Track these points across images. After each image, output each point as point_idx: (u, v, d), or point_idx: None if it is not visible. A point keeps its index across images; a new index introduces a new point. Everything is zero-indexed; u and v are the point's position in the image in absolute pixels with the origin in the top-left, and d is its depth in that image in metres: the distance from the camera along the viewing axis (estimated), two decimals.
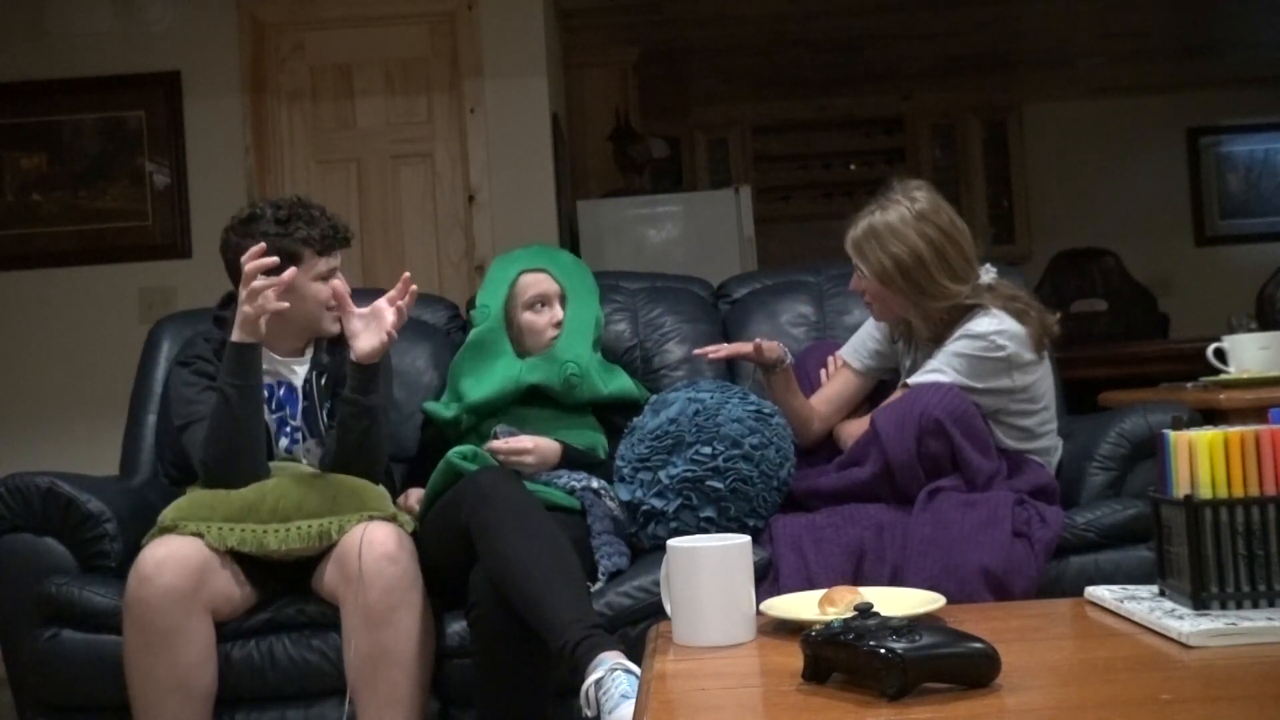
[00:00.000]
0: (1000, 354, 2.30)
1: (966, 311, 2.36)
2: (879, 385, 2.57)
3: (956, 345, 2.32)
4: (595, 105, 5.54)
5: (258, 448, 2.24)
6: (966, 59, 6.67)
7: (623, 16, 5.47)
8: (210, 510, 2.16)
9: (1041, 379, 2.38)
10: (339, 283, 2.31)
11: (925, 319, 2.39)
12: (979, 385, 2.30)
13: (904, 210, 2.35)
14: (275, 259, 2.17)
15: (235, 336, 2.19)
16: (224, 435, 2.20)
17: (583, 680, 1.81)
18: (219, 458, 2.21)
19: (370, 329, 2.23)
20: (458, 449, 2.31)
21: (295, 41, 4.35)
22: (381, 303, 2.23)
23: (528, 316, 2.65)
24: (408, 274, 2.23)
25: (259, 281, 2.14)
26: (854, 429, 2.43)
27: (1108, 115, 7.35)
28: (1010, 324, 2.32)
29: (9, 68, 4.21)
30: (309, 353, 2.44)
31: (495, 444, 2.42)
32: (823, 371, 2.63)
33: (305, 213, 2.35)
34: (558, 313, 2.66)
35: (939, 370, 2.31)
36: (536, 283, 2.67)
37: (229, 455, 2.20)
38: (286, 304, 2.18)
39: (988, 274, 2.40)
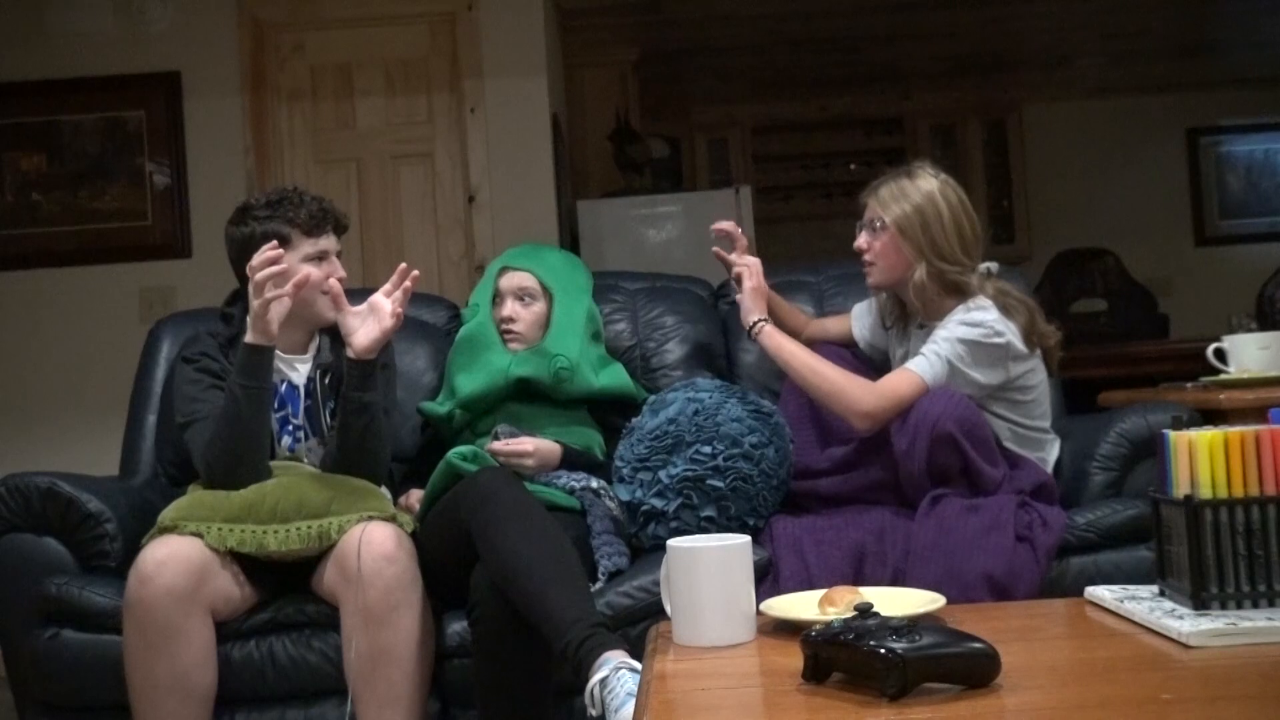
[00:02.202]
0: (999, 340, 2.31)
1: (958, 297, 2.38)
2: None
3: (957, 331, 2.33)
4: (595, 105, 5.54)
5: (262, 451, 2.24)
6: (966, 59, 6.67)
7: (623, 16, 5.47)
8: (210, 511, 2.16)
9: (1033, 371, 2.40)
10: (335, 281, 2.28)
11: (921, 289, 2.39)
12: (977, 374, 2.31)
13: (931, 179, 2.43)
14: (280, 251, 2.17)
15: (249, 338, 2.19)
16: (229, 436, 2.20)
17: (587, 680, 1.80)
18: (223, 458, 2.20)
19: (367, 324, 2.22)
20: (458, 449, 2.31)
21: (295, 41, 4.35)
22: (378, 296, 2.23)
23: (494, 312, 2.67)
24: (404, 265, 2.22)
25: (262, 273, 2.14)
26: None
27: (1108, 115, 7.34)
28: (1003, 316, 2.34)
29: (9, 68, 4.21)
30: (312, 350, 2.44)
31: (495, 445, 2.42)
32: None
33: (294, 196, 2.38)
34: (515, 309, 2.64)
35: (935, 353, 2.31)
36: (506, 278, 2.68)
37: (233, 457, 2.20)
38: (290, 288, 2.16)
39: (988, 265, 2.46)
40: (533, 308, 2.65)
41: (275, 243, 2.21)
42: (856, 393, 2.31)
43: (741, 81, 6.86)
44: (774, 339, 2.44)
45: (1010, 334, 2.32)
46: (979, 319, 2.32)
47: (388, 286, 2.22)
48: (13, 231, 4.19)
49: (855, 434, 2.37)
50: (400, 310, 2.20)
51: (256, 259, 2.16)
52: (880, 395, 2.29)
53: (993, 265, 2.47)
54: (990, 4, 5.67)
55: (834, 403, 2.34)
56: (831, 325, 2.73)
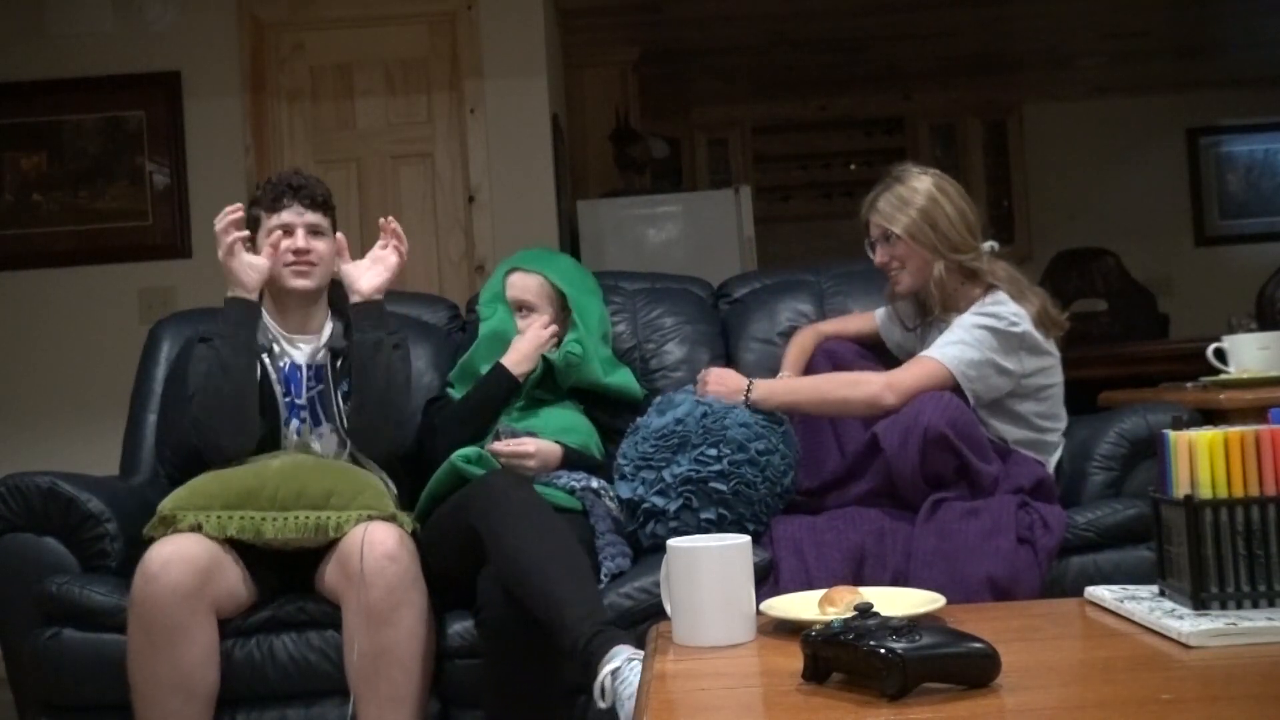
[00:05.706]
0: (1015, 329, 2.34)
1: (975, 283, 2.43)
2: None
3: (976, 320, 2.36)
4: (595, 105, 5.54)
5: (247, 403, 2.28)
6: (966, 59, 6.66)
7: (623, 16, 5.47)
8: (209, 498, 2.17)
9: (1048, 371, 2.41)
10: (299, 241, 2.39)
11: (941, 283, 2.42)
12: (1003, 360, 2.32)
13: (922, 177, 2.48)
14: (238, 205, 2.34)
15: (229, 292, 2.31)
16: (212, 385, 2.25)
17: (597, 673, 1.80)
18: (207, 408, 2.26)
19: (372, 270, 2.39)
20: (461, 451, 2.32)
21: (295, 41, 4.35)
22: (375, 249, 2.42)
23: (516, 319, 2.68)
24: (383, 219, 2.43)
25: (218, 226, 2.30)
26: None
27: (1108, 115, 7.34)
28: (1019, 306, 2.38)
29: (9, 68, 4.21)
30: (326, 334, 2.45)
31: (497, 446, 2.42)
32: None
33: (272, 177, 2.49)
34: (530, 320, 2.67)
35: (961, 342, 2.33)
36: (521, 286, 2.70)
37: (216, 406, 2.25)
38: (246, 232, 2.32)
39: (990, 244, 2.50)
40: (542, 317, 2.68)
41: (239, 205, 2.35)
42: (873, 386, 2.34)
43: (741, 81, 6.85)
44: (767, 387, 2.43)
45: (1025, 323, 2.35)
46: (995, 310, 2.36)
47: (381, 242, 2.42)
48: (13, 231, 4.19)
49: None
50: (400, 247, 2.41)
51: (218, 219, 2.31)
52: (896, 388, 2.32)
53: (994, 244, 2.50)
54: (990, 4, 5.67)
55: (854, 395, 2.36)
56: (850, 324, 2.73)
